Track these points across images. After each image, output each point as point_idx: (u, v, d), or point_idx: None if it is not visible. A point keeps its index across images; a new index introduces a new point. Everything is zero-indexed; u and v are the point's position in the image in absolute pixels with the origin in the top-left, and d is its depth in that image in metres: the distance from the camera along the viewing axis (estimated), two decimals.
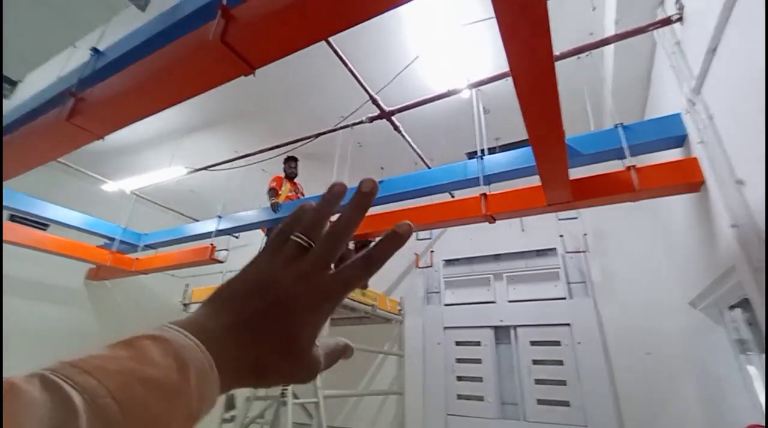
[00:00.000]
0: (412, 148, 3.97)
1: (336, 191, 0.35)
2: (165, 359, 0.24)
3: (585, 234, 4.51)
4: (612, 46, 3.07)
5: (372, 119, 3.45)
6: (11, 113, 2.76)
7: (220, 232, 4.60)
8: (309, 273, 0.31)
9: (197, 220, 5.58)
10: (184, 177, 4.91)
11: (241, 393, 3.95)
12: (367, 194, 0.33)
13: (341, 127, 3.88)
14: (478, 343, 4.75)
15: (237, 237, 5.52)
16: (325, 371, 0.34)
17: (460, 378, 4.65)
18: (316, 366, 0.32)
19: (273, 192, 4.50)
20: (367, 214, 0.35)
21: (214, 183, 6.11)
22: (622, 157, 2.78)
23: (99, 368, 0.21)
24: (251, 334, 0.29)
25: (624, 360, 3.97)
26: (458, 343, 4.88)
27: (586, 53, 3.14)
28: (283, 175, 4.79)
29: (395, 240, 0.32)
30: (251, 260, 0.34)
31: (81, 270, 5.94)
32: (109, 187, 4.96)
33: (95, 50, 2.35)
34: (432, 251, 5.16)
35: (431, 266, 5.14)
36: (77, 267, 5.89)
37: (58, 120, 2.21)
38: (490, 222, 3.28)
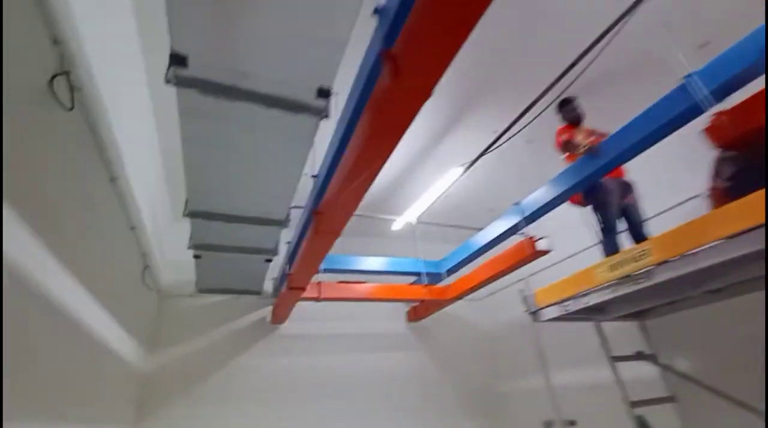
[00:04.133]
0: None
1: None
2: None
3: None
4: None
5: None
6: None
7: (528, 221, 3.77)
8: None
9: (479, 229, 5.04)
10: (450, 190, 4.49)
11: None
12: None
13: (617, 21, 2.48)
14: None
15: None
16: None
17: None
18: None
19: (570, 144, 3.42)
20: None
21: (475, 186, 5.60)
22: None
23: None
24: None
25: None
26: None
27: None
28: (564, 125, 3.70)
29: None
30: None
31: (401, 316, 6.27)
32: (397, 223, 5.02)
33: (314, 176, 3.08)
34: None
35: None
36: (397, 313, 6.27)
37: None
38: None
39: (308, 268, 3.46)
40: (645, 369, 3.77)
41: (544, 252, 3.59)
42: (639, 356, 3.72)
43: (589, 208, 3.51)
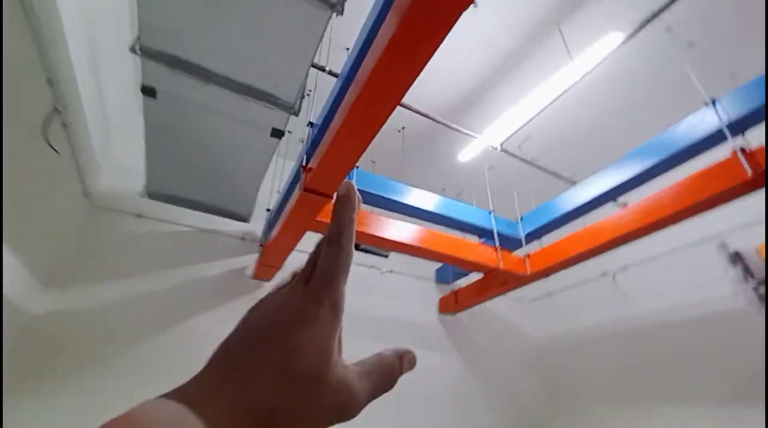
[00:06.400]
0: None
1: (342, 198, 0.29)
2: None
3: None
4: None
5: None
6: None
7: (734, 131, 2.19)
8: (294, 286, 0.27)
9: (573, 182, 3.45)
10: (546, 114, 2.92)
11: None
12: (342, 200, 0.28)
13: None
14: None
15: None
16: (372, 398, 0.27)
17: None
18: (345, 393, 0.25)
19: None
20: None
21: (559, 132, 4.05)
22: None
23: None
24: (242, 374, 0.23)
25: None
26: None
27: None
28: None
29: (342, 204, 0.28)
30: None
31: (431, 302, 4.57)
32: (469, 151, 3.38)
33: None
34: None
35: None
36: (427, 298, 4.57)
37: None
38: None
39: (352, 141, 1.78)
40: None
41: None
42: None
43: None
